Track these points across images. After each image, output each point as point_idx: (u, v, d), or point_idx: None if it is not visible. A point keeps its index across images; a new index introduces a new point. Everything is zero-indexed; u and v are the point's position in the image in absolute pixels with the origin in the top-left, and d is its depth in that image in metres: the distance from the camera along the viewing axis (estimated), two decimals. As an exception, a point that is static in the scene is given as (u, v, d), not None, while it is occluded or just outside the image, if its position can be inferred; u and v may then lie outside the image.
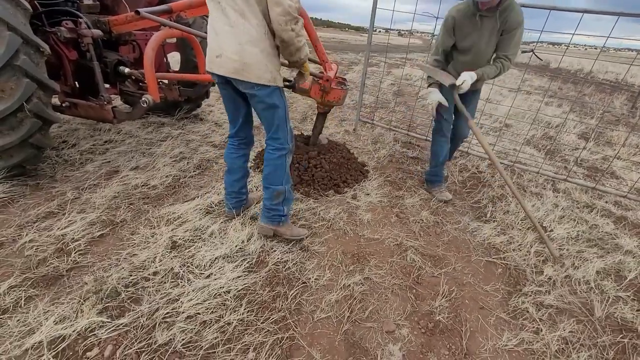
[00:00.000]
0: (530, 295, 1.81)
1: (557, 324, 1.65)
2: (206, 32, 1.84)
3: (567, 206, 2.76)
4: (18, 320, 1.39)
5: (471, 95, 2.54)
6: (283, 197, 1.91)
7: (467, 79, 2.22)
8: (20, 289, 1.53)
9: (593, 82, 11.44)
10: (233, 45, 1.58)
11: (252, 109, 1.88)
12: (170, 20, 2.51)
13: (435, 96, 2.41)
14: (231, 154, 2.01)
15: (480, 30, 2.24)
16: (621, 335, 1.63)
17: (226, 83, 1.77)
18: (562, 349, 1.53)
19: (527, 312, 1.71)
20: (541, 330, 1.61)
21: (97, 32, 2.49)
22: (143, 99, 2.32)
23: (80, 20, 2.43)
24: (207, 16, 2.44)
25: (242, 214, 2.20)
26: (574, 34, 2.80)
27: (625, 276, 2.02)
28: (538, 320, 1.66)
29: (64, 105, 2.66)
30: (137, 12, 2.23)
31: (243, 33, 1.56)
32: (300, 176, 2.64)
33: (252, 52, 1.58)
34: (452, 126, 2.66)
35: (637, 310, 1.78)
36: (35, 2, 2.45)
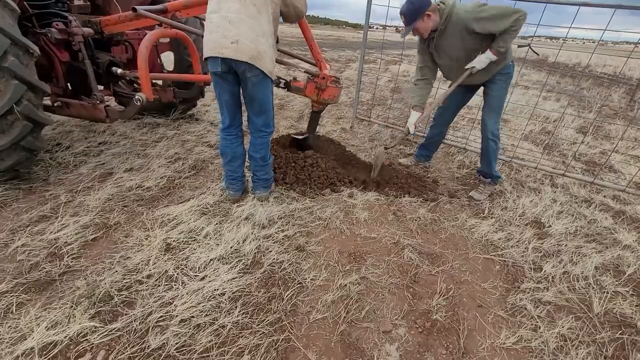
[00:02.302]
0: (529, 292, 1.79)
1: (555, 320, 1.64)
2: (200, 30, 1.88)
3: (566, 201, 2.74)
4: (9, 326, 1.37)
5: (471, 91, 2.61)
6: (271, 165, 2.35)
7: (481, 64, 2.27)
8: (11, 294, 1.51)
9: (591, 76, 11.41)
10: (251, 35, 1.81)
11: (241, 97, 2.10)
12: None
13: (411, 119, 2.64)
14: (232, 144, 2.19)
15: (438, 49, 2.36)
16: (620, 332, 1.61)
17: (228, 72, 1.93)
18: (561, 346, 1.52)
19: (525, 309, 1.69)
20: (539, 328, 1.59)
21: (88, 30, 2.46)
22: (136, 97, 2.29)
23: (71, 18, 2.40)
24: (199, 16, 2.41)
25: (235, 217, 2.18)
26: (570, 27, 2.77)
27: (624, 271, 2.01)
28: (536, 317, 1.65)
29: (55, 105, 2.64)
30: (134, 10, 2.21)
31: (259, 26, 1.83)
32: (297, 175, 2.62)
33: (265, 44, 1.86)
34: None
35: (637, 306, 1.77)
36: (25, 3, 2.41)
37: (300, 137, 2.83)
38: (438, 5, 2.22)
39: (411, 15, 2.20)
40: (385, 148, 2.81)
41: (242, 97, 2.11)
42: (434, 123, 2.97)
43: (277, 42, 2.16)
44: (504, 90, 2.45)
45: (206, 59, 1.92)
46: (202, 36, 1.95)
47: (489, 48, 2.22)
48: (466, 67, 2.35)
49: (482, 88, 2.60)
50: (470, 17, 2.12)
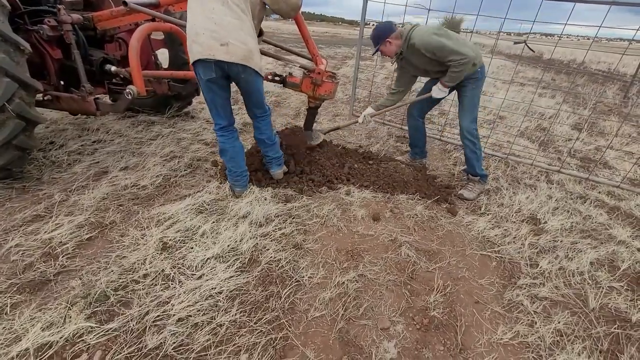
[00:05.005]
0: (525, 288, 1.81)
1: (551, 316, 1.65)
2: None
3: (561, 197, 2.76)
4: (3, 327, 1.35)
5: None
6: (279, 144, 2.45)
7: (436, 94, 2.56)
8: (5, 295, 1.50)
9: (586, 73, 11.47)
10: (241, 36, 1.83)
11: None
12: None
13: (366, 111, 2.88)
14: (231, 140, 2.22)
15: (407, 66, 2.62)
16: (615, 326, 1.63)
17: (221, 77, 1.94)
18: (557, 341, 1.53)
19: (522, 305, 1.71)
20: (535, 323, 1.60)
21: (77, 16, 2.40)
22: (127, 90, 2.26)
23: (59, 7, 2.34)
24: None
25: (232, 215, 2.17)
26: (566, 24, 2.77)
27: (618, 266, 2.03)
28: (532, 312, 1.66)
29: (45, 99, 2.60)
30: (125, 4, 2.17)
31: (245, 26, 1.86)
32: (294, 173, 2.61)
33: (252, 43, 1.89)
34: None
35: (631, 300, 1.79)
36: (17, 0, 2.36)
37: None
38: (401, 31, 2.44)
39: (375, 40, 2.49)
40: (324, 133, 2.99)
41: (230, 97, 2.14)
42: (407, 119, 3.02)
43: (262, 34, 2.21)
44: (475, 91, 2.51)
45: (194, 63, 1.89)
46: None
47: (441, 83, 2.47)
48: (424, 95, 2.67)
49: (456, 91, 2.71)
50: (421, 44, 2.33)
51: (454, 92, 2.81)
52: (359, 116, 2.92)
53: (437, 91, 2.55)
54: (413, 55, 2.47)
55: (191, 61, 1.90)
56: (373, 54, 2.60)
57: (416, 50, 2.39)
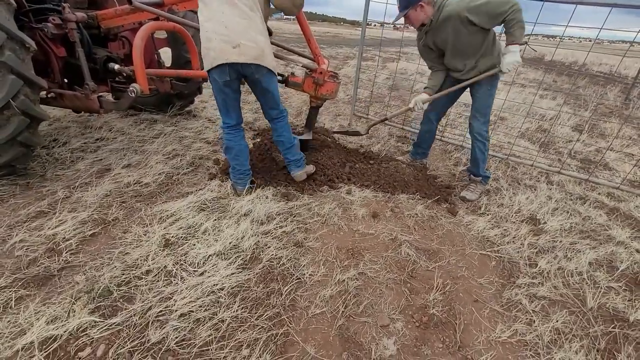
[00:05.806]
0: (524, 287, 1.82)
1: (549, 315, 1.67)
2: (199, 25, 1.90)
3: (561, 198, 2.78)
4: (9, 321, 1.37)
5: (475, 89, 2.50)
6: (298, 146, 2.46)
7: (507, 64, 2.19)
8: (10, 289, 1.52)
9: (587, 74, 11.48)
10: (251, 35, 1.84)
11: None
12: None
13: (418, 97, 2.58)
14: (238, 138, 2.25)
15: (435, 44, 2.36)
16: (613, 325, 1.65)
17: (236, 79, 1.96)
18: (555, 339, 1.55)
19: (521, 304, 1.72)
20: (534, 322, 1.62)
21: (81, 14, 2.43)
22: (130, 88, 2.30)
23: (64, 5, 2.37)
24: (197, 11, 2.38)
25: (234, 213, 2.19)
26: (567, 25, 2.78)
27: (617, 267, 2.04)
28: (531, 311, 1.67)
29: (49, 96, 2.63)
30: (130, 2, 2.19)
31: (255, 25, 1.86)
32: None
33: (263, 41, 1.90)
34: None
35: (629, 300, 1.80)
36: None
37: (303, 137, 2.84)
38: None
39: (404, 2, 2.17)
40: (368, 126, 3.00)
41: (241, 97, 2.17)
42: (423, 120, 2.94)
43: (271, 34, 2.20)
44: (489, 91, 2.42)
45: (210, 70, 1.91)
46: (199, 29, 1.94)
47: (508, 44, 2.15)
48: (493, 71, 2.28)
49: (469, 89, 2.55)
50: (463, 6, 2.07)
51: (460, 94, 2.77)
52: (385, 115, 2.89)
53: (510, 56, 2.14)
54: (442, 28, 2.20)
55: (207, 68, 1.91)
56: (395, 20, 2.26)
57: (449, 21, 2.13)
